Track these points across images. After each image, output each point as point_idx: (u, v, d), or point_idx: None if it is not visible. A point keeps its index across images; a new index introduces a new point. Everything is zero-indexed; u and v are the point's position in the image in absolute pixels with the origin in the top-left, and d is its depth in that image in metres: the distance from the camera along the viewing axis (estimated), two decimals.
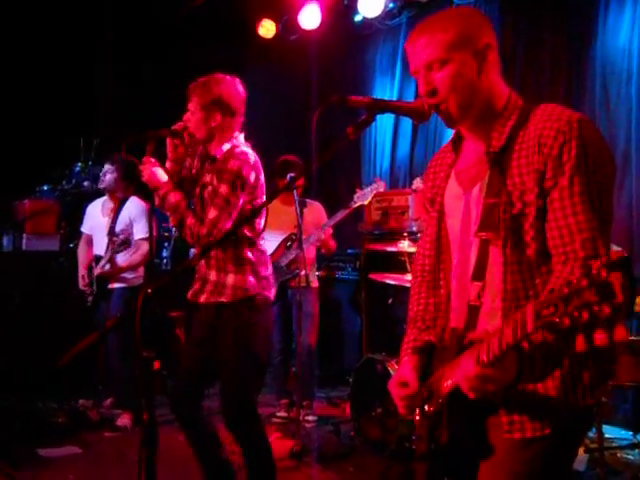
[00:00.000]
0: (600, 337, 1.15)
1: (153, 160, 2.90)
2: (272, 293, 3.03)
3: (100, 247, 4.95)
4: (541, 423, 1.55)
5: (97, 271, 4.87)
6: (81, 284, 5.00)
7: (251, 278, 2.90)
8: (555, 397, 1.55)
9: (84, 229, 5.24)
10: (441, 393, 1.65)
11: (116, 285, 4.87)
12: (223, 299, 2.90)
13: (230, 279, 2.89)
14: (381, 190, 4.83)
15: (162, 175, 2.89)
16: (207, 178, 2.93)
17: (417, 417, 1.78)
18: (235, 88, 2.95)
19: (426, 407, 1.73)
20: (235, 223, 2.82)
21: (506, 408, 1.58)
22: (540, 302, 1.21)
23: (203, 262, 2.98)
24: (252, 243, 2.93)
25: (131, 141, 2.87)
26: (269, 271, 3.02)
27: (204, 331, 3.01)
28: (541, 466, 1.59)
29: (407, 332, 1.90)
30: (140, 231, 4.87)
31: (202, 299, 2.96)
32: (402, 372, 1.80)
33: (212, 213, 2.81)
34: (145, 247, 4.79)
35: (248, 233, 2.91)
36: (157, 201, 2.88)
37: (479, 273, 1.63)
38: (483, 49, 1.65)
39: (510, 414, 1.58)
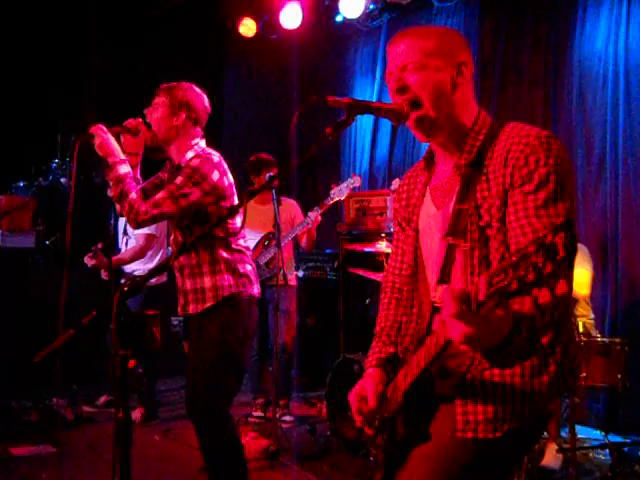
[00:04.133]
0: (544, 294, 1.20)
1: (105, 128, 2.85)
2: (255, 290, 3.00)
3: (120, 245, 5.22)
4: (493, 425, 1.58)
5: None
6: (104, 276, 5.17)
7: (228, 276, 2.88)
8: (512, 401, 1.58)
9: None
10: (399, 392, 1.67)
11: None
12: (208, 304, 2.88)
13: (207, 282, 2.88)
14: (357, 185, 4.84)
15: (115, 145, 2.84)
16: None
17: (370, 431, 1.78)
18: (202, 101, 2.99)
19: (385, 413, 1.74)
20: (210, 225, 2.81)
21: (462, 403, 1.61)
22: (492, 271, 1.23)
23: (178, 274, 2.97)
24: (227, 243, 2.90)
25: (84, 139, 2.81)
26: (249, 268, 3.00)
27: (193, 339, 3.00)
28: (482, 466, 1.63)
29: (372, 345, 1.91)
30: None
31: (191, 310, 2.94)
32: (364, 385, 1.79)
33: (159, 194, 2.79)
34: (142, 242, 4.95)
35: (220, 233, 2.89)
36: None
37: (444, 276, 1.63)
38: (460, 64, 1.67)
39: (465, 412, 1.60)
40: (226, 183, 2.89)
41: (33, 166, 6.37)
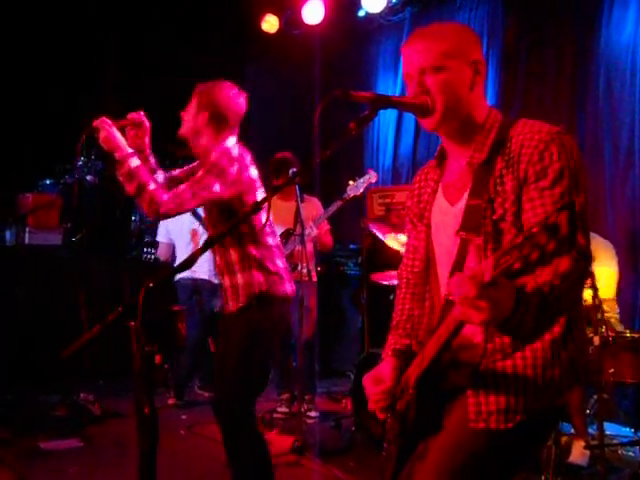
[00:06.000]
0: (547, 272, 1.26)
1: (110, 122, 2.78)
2: (287, 287, 2.97)
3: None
4: (505, 415, 1.60)
5: None
6: None
7: (257, 274, 2.87)
8: (524, 392, 1.59)
9: None
10: (411, 382, 1.70)
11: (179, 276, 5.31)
12: (241, 303, 2.89)
13: (239, 279, 2.88)
14: (373, 181, 4.84)
15: (121, 138, 2.77)
16: None
17: (388, 420, 1.81)
18: (235, 100, 2.94)
19: (397, 405, 1.75)
20: (234, 221, 2.78)
21: (474, 394, 1.62)
22: (498, 254, 1.24)
23: (218, 272, 3.00)
24: (255, 240, 2.89)
25: (88, 133, 2.77)
26: (280, 265, 2.97)
27: (222, 336, 3.02)
28: (494, 456, 1.65)
29: (388, 338, 1.95)
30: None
31: (231, 307, 2.94)
32: (379, 370, 1.84)
33: (181, 187, 2.76)
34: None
35: (246, 230, 2.87)
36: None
37: (456, 271, 1.63)
38: (475, 62, 1.71)
39: (477, 403, 1.62)
40: (247, 176, 2.87)
41: (59, 164, 6.44)
